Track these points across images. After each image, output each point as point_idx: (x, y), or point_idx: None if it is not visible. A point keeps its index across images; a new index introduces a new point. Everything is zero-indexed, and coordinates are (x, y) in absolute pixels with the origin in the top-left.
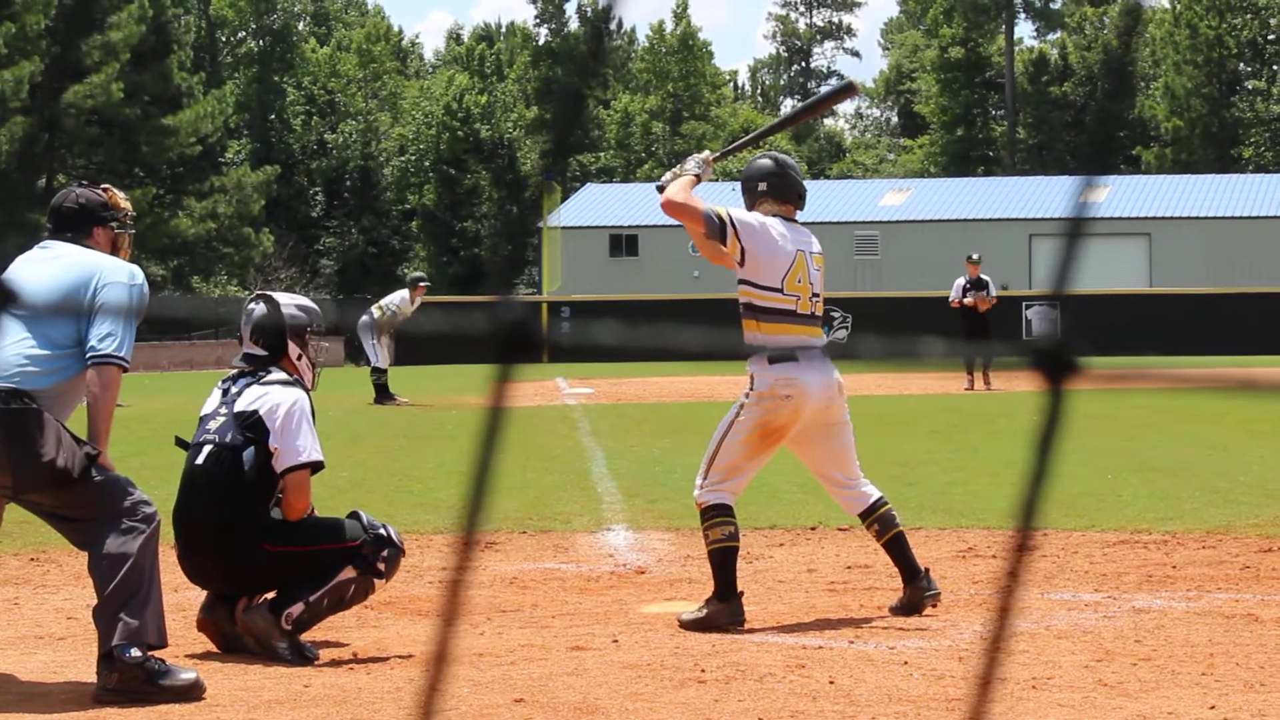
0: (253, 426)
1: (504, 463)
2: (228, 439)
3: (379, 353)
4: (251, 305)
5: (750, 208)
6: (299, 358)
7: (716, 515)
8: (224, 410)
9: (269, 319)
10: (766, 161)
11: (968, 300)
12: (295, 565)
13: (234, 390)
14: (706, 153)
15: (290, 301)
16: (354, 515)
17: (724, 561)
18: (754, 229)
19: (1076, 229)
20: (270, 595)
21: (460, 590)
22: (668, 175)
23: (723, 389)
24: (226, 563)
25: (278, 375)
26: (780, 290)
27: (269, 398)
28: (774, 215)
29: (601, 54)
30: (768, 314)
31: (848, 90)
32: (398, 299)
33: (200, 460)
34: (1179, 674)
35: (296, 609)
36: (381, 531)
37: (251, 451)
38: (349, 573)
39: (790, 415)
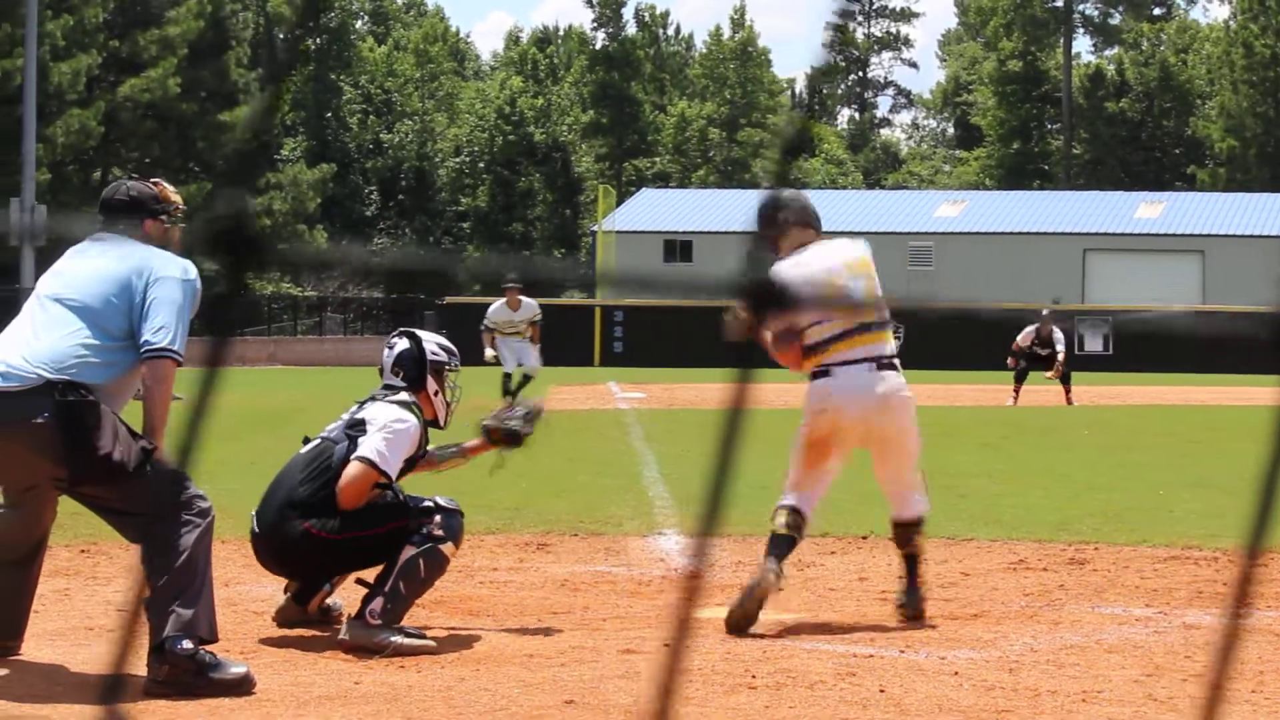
0: (356, 425)
1: (556, 465)
2: (332, 435)
3: (505, 355)
4: (395, 340)
5: (776, 241)
6: (435, 394)
7: (780, 509)
8: (344, 417)
9: (411, 353)
10: (777, 195)
11: (1030, 349)
12: (338, 552)
13: (362, 407)
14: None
15: (433, 339)
16: (399, 498)
17: (773, 539)
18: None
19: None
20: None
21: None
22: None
23: (773, 397)
24: (277, 540)
25: (402, 398)
26: (820, 321)
27: (385, 411)
28: (796, 248)
29: None
30: (820, 344)
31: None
32: (492, 310)
33: (303, 450)
34: (1228, 691)
35: (377, 603)
36: (427, 503)
37: (345, 447)
38: (408, 551)
39: (829, 427)
